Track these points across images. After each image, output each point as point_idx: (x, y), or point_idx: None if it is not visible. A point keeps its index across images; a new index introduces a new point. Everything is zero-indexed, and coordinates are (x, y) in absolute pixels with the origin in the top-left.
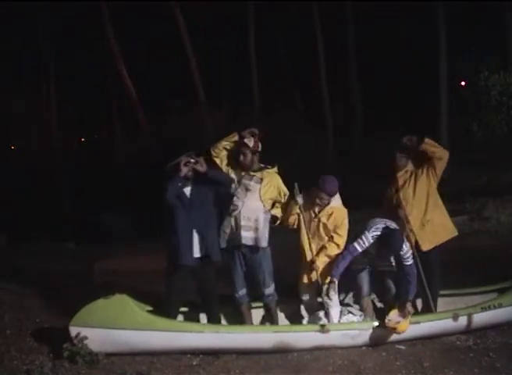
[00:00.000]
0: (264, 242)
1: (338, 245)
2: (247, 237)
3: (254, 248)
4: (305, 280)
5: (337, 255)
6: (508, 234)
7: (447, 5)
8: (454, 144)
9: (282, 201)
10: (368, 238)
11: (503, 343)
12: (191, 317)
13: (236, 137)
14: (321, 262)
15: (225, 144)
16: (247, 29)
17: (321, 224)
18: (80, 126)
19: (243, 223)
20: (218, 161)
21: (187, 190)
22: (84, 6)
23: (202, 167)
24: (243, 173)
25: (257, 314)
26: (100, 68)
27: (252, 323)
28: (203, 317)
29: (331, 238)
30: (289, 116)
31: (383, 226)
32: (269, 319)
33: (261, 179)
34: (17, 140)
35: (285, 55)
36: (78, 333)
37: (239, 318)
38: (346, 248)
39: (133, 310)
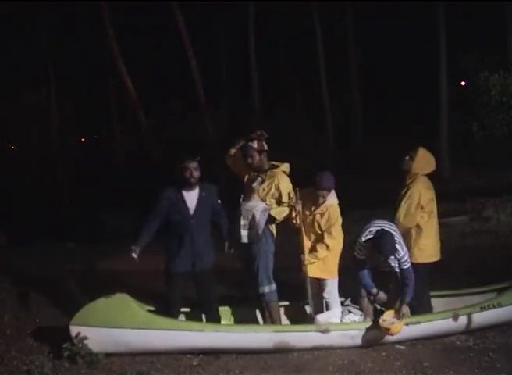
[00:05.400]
0: (257, 239)
1: (328, 246)
2: (244, 235)
3: (250, 246)
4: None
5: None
6: (508, 234)
7: (447, 5)
8: (454, 144)
9: (283, 200)
10: (362, 244)
11: (503, 343)
12: (193, 316)
13: (242, 143)
14: (310, 261)
15: (234, 150)
16: (247, 29)
17: (315, 222)
18: (80, 126)
19: (242, 222)
20: (232, 167)
21: (191, 198)
22: (84, 6)
23: None
24: (251, 175)
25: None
26: (100, 68)
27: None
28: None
29: (322, 237)
30: (289, 117)
31: (377, 228)
32: (268, 319)
33: (263, 180)
34: (17, 140)
35: (285, 55)
36: (78, 333)
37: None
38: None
39: (134, 309)
